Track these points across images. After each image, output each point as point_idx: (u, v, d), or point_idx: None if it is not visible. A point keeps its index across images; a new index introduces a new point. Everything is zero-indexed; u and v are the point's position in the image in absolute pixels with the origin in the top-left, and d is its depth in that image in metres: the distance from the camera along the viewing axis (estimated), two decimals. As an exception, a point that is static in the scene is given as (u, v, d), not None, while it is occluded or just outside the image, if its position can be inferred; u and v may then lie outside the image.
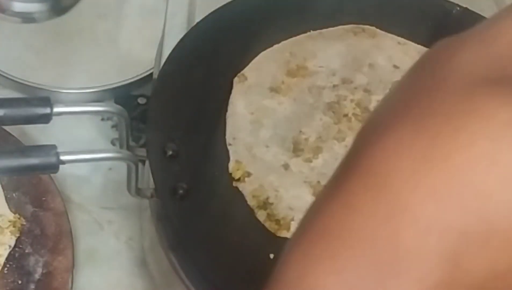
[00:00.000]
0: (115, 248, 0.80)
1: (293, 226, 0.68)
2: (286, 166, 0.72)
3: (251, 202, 0.69)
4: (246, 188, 0.70)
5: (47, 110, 0.64)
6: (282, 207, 0.69)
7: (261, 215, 0.68)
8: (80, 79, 0.92)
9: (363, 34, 0.82)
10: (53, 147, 0.63)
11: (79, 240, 0.79)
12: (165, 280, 0.72)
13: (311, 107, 0.76)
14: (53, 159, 0.63)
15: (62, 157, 0.63)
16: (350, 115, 0.76)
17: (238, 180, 0.70)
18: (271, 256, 0.66)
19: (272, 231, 0.68)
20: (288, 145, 0.73)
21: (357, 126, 0.75)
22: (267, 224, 0.68)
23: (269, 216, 0.68)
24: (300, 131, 0.74)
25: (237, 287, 0.64)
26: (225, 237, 0.66)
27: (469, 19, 0.85)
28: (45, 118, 0.64)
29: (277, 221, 0.68)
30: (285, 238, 0.67)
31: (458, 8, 0.85)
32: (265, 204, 0.69)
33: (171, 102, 0.73)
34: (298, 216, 0.68)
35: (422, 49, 0.81)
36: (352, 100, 0.77)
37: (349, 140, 0.74)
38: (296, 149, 0.73)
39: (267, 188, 0.70)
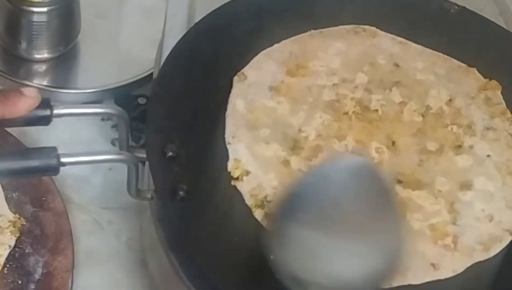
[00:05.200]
0: (115, 248, 0.81)
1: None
2: (286, 163, 0.72)
3: (249, 201, 0.69)
4: (244, 187, 0.70)
5: (47, 112, 0.64)
6: (281, 206, 0.69)
7: (258, 214, 0.68)
8: (80, 79, 0.93)
9: (364, 34, 0.82)
10: (54, 149, 0.63)
11: (79, 240, 0.79)
12: (165, 280, 0.72)
13: (311, 105, 0.76)
14: (53, 162, 0.63)
15: (63, 159, 0.63)
16: (350, 113, 0.76)
17: (237, 178, 0.70)
18: (272, 256, 0.66)
19: (271, 230, 0.68)
20: (288, 143, 0.73)
21: (357, 124, 0.75)
22: (265, 223, 0.68)
23: (267, 215, 0.68)
24: (300, 130, 0.74)
25: (237, 287, 0.64)
26: (225, 238, 0.66)
27: (467, 18, 0.85)
28: (45, 120, 0.64)
29: (276, 221, 0.68)
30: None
31: (456, 7, 0.85)
32: (263, 203, 0.69)
33: (171, 102, 0.73)
34: (298, 216, 0.68)
35: (422, 49, 0.82)
36: (352, 98, 0.77)
37: (350, 138, 0.74)
38: (296, 148, 0.73)
39: (265, 186, 0.70)
